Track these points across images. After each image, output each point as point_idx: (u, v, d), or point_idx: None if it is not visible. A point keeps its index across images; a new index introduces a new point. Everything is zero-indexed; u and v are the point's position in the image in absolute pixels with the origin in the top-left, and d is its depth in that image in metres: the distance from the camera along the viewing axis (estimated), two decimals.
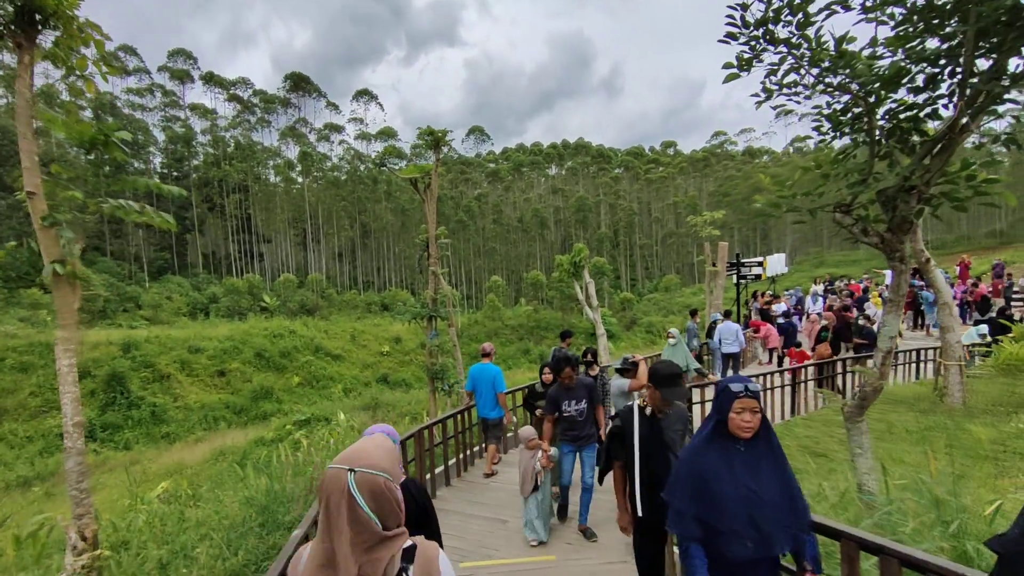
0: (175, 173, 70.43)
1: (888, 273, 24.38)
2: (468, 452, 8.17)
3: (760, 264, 21.89)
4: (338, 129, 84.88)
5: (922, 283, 21.45)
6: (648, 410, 3.43)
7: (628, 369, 6.17)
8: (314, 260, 76.73)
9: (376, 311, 59.43)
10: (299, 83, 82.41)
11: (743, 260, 21.95)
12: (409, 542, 1.45)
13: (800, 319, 21.61)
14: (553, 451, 5.67)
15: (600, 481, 3.85)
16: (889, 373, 5.05)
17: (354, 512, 1.35)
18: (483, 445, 8.79)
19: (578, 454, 5.67)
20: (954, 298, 18.28)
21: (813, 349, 12.41)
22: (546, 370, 6.97)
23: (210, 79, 77.34)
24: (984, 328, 12.50)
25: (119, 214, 4.79)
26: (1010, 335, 10.51)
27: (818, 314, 18.54)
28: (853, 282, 24.79)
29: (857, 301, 18.82)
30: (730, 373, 12.28)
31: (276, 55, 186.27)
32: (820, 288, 23.10)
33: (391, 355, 44.08)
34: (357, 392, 34.66)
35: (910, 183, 3.53)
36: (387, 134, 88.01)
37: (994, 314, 13.09)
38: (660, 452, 3.33)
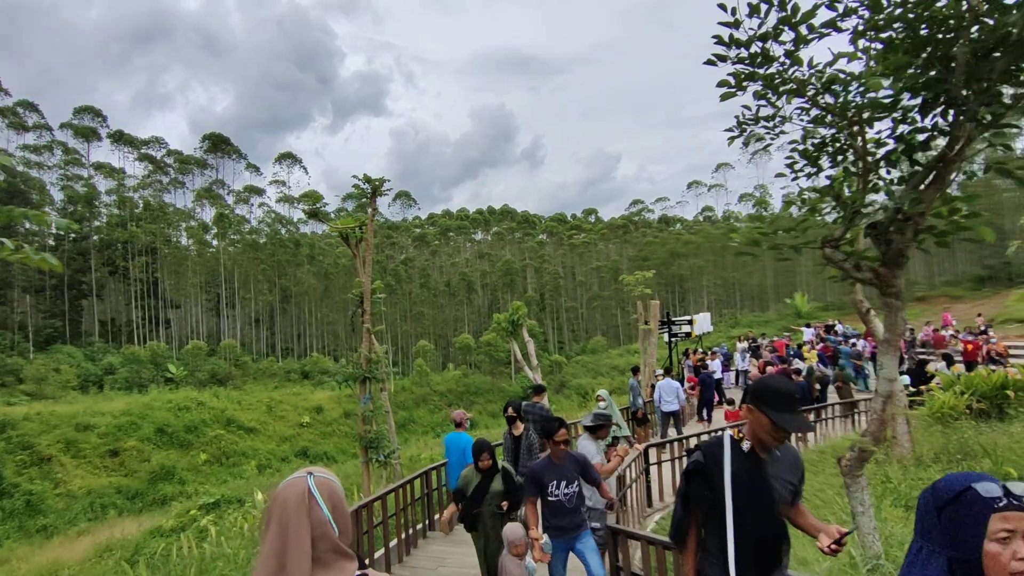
0: (72, 235, 65.23)
1: (806, 330, 25.66)
2: (412, 531, 7.21)
3: (689, 322, 22.37)
4: (259, 192, 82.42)
5: (839, 338, 22.61)
6: (746, 444, 2.42)
7: (602, 426, 5.47)
8: (228, 326, 72.20)
9: (296, 379, 56.14)
10: (218, 144, 80.00)
11: (673, 319, 22.40)
12: (358, 572, 1.36)
13: (728, 375, 22.09)
14: (545, 539, 4.49)
15: (679, 542, 2.61)
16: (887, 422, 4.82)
17: (314, 515, 1.30)
18: (427, 522, 7.88)
19: (571, 549, 4.48)
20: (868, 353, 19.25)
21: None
22: (484, 456, 5.19)
23: (119, 138, 73.64)
24: (905, 379, 13.02)
25: None
26: (936, 383, 10.92)
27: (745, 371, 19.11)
28: (776, 339, 25.86)
29: (780, 358, 19.43)
30: (672, 433, 11.96)
31: (194, 118, 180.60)
32: (745, 344, 23.87)
33: (312, 426, 41.26)
34: (274, 469, 31.85)
35: (907, 212, 3.35)
36: (311, 197, 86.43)
37: (914, 366, 13.74)
38: (764, 504, 2.35)
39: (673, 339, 22.05)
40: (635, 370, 13.32)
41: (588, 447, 5.32)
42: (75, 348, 55.18)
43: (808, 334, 24.74)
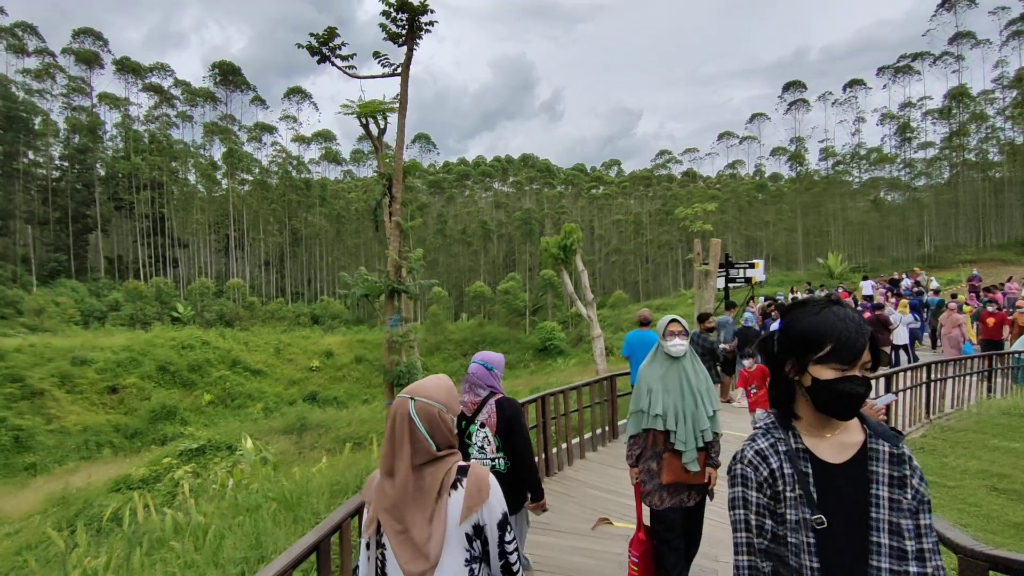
0: (76, 166, 62.66)
1: (864, 284, 22.75)
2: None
3: (751, 266, 19.65)
4: (270, 129, 78.47)
5: (912, 291, 19.81)
6: None
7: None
8: (237, 268, 70.13)
9: (306, 323, 54.26)
10: (228, 75, 75.79)
11: (732, 261, 19.67)
12: (463, 463, 1.63)
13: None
14: None
15: None
16: None
17: (413, 433, 1.55)
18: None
19: None
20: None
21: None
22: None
23: (123, 66, 69.74)
24: None
25: None
26: None
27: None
28: (840, 291, 23.17)
29: (874, 304, 16.67)
30: None
31: (208, 57, 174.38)
32: (804, 295, 21.18)
33: (321, 371, 39.41)
34: (280, 411, 29.98)
35: None
36: (324, 136, 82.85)
37: None
38: None
39: (731, 284, 19.45)
40: (730, 306, 10.60)
41: None
42: (80, 283, 53.36)
43: (867, 287, 21.96)
